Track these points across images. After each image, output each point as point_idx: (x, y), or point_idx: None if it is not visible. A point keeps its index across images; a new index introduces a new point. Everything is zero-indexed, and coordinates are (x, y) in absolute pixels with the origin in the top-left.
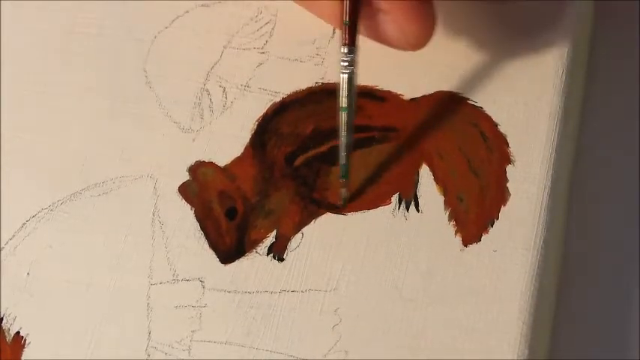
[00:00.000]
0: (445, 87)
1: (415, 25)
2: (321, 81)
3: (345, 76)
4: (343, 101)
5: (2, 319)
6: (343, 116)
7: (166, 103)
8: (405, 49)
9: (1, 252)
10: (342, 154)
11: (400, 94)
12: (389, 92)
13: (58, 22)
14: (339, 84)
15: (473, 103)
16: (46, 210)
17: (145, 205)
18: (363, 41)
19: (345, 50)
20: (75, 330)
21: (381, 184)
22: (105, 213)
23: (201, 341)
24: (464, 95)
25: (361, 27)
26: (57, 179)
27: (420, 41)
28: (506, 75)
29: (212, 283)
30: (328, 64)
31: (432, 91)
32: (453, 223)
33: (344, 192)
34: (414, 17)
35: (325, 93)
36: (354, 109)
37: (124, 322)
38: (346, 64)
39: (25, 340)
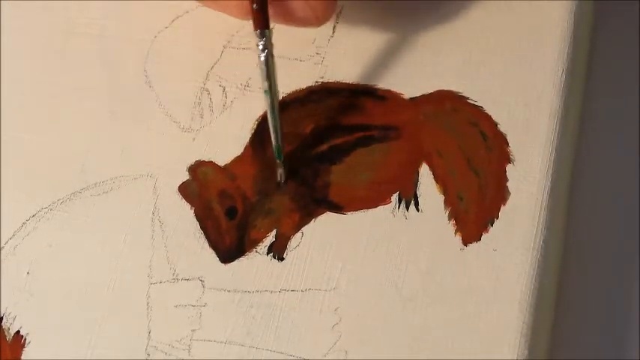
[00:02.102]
0: (445, 86)
1: None
2: (320, 80)
3: (263, 58)
4: (265, 84)
5: (2, 318)
6: (267, 99)
7: (166, 103)
8: (312, 25)
9: (1, 251)
10: (273, 135)
11: (400, 94)
12: (389, 91)
13: (58, 22)
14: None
15: (473, 102)
16: (46, 209)
17: (145, 204)
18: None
19: (259, 34)
20: (75, 330)
21: (380, 183)
22: (105, 212)
23: (201, 340)
24: (464, 94)
25: (270, 11)
26: (57, 179)
27: (327, 14)
28: (506, 75)
29: (212, 282)
30: (328, 64)
31: (432, 90)
32: (452, 222)
33: (281, 173)
34: None
35: (325, 92)
36: (275, 90)
37: (123, 321)
38: (262, 47)
39: (25, 340)
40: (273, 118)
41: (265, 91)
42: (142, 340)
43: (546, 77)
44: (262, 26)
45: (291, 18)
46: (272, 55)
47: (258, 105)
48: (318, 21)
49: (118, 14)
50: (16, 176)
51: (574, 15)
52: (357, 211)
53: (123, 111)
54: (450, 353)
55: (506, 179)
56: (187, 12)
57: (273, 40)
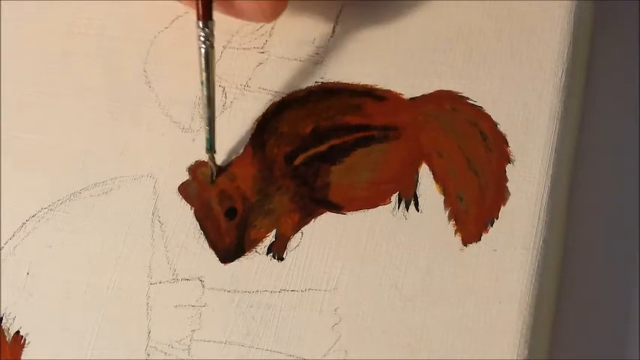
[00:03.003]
0: (445, 86)
1: None
2: (320, 80)
3: (203, 50)
4: (203, 75)
5: (2, 318)
6: (203, 90)
7: (166, 103)
8: (259, 20)
9: (1, 251)
10: (206, 127)
11: (400, 94)
12: (389, 91)
13: (58, 22)
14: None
15: (472, 102)
16: (46, 210)
17: (145, 204)
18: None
19: (201, 25)
20: (75, 330)
21: (380, 183)
22: (104, 213)
23: (201, 341)
24: (464, 94)
25: (215, 2)
26: (57, 179)
27: (275, 12)
28: (506, 75)
29: (212, 282)
30: (328, 64)
31: (431, 90)
32: (452, 222)
33: (212, 167)
34: None
35: (325, 92)
36: (213, 82)
37: (123, 321)
38: (203, 38)
39: (25, 340)
40: (209, 110)
41: (202, 82)
42: (142, 340)
43: (546, 77)
44: (206, 17)
45: (236, 11)
46: (212, 47)
47: (257, 105)
48: (265, 17)
49: (117, 14)
50: (16, 176)
51: (574, 15)
52: (356, 211)
53: (123, 111)
54: (449, 353)
55: (506, 179)
56: (187, 12)
57: (275, 39)
